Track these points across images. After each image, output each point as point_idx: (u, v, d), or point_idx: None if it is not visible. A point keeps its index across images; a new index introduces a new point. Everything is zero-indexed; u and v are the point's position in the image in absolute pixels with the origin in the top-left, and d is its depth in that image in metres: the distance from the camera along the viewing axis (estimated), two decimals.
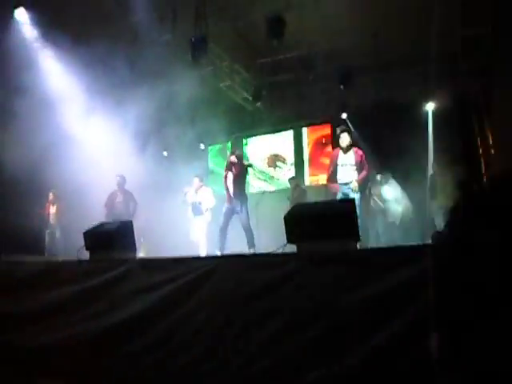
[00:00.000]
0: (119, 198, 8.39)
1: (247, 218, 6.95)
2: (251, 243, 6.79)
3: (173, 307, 3.00)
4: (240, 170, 7.14)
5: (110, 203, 8.37)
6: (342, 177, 6.49)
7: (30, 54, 8.65)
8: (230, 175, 7.10)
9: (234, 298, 2.83)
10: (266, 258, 3.13)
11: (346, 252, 2.74)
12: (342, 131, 6.68)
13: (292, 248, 3.05)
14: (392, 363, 2.26)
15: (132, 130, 9.65)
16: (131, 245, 3.93)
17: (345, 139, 6.57)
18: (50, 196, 9.62)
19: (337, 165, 6.55)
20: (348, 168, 6.48)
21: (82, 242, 4.07)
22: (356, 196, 6.23)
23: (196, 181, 8.26)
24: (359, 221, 6.13)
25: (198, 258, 3.48)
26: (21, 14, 7.98)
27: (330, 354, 2.41)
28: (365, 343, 2.33)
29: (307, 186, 11.42)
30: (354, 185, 6.34)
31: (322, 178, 11.30)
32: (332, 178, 6.62)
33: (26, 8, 7.89)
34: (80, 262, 3.94)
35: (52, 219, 9.67)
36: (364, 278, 2.48)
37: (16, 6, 7.86)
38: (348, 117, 10.88)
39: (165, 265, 3.27)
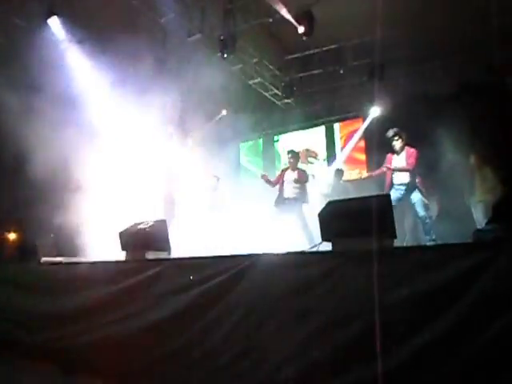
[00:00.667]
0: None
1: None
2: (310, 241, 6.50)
3: (207, 307, 2.98)
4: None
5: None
6: (396, 180, 6.44)
7: (59, 54, 8.81)
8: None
9: (268, 298, 2.79)
10: (301, 256, 3.07)
11: (382, 250, 2.65)
12: (394, 135, 6.51)
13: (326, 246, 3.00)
14: (431, 366, 2.18)
15: (160, 127, 9.71)
16: (166, 244, 3.95)
17: (397, 143, 6.45)
18: None
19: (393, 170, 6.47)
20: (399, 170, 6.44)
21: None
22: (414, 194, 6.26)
23: (213, 181, 8.28)
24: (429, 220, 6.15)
25: (231, 257, 3.44)
26: (53, 21, 8.18)
27: (368, 355, 2.35)
28: (402, 344, 2.26)
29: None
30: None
31: (355, 173, 11.14)
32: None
33: (58, 14, 8.07)
34: (115, 262, 3.99)
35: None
36: (401, 277, 2.39)
37: (49, 16, 8.06)
38: (380, 110, 10.67)
39: (198, 264, 3.26)
